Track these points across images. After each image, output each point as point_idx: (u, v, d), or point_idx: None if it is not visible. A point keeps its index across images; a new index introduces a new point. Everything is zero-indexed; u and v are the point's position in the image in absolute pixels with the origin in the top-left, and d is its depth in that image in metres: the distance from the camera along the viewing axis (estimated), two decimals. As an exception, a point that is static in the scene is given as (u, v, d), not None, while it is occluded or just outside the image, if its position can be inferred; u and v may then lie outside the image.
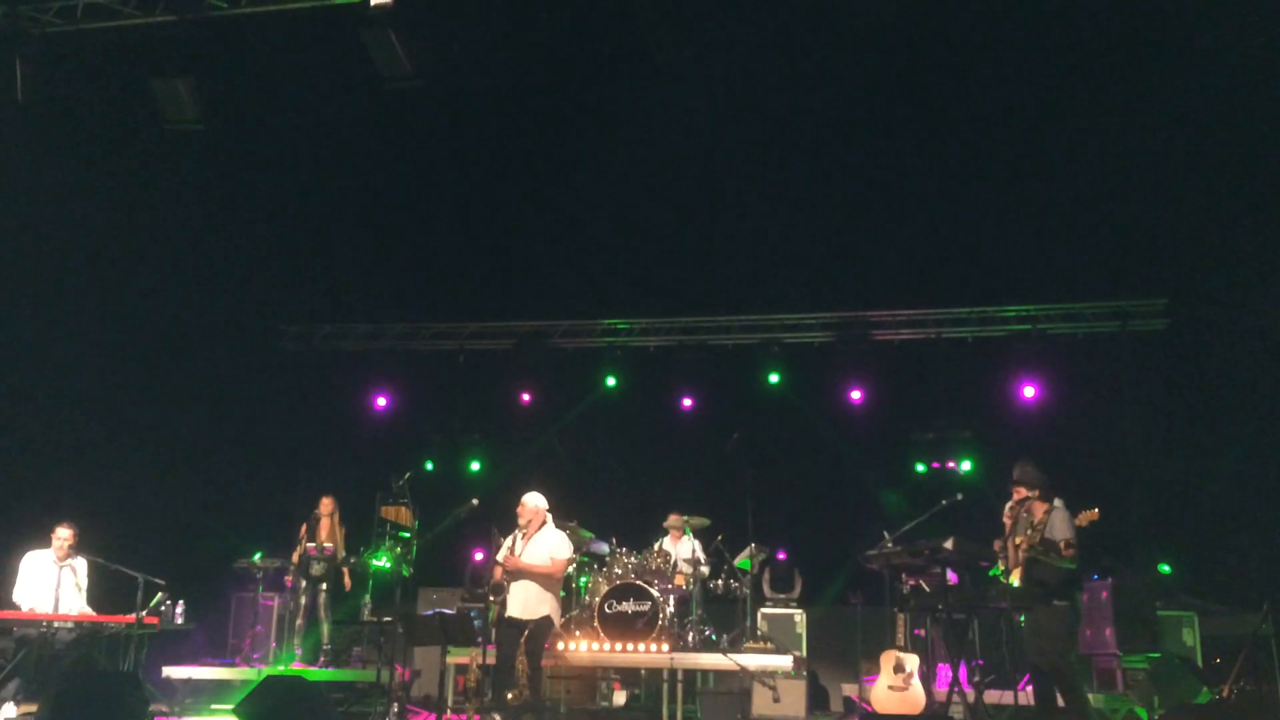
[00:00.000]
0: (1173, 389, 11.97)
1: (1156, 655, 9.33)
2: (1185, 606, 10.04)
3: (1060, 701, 7.46)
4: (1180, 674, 8.50)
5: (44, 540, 9.09)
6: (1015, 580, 8.22)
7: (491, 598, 8.67)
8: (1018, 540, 7.88)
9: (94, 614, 8.90)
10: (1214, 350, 11.72)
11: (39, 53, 8.95)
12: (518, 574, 8.38)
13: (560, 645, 9.49)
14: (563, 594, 9.36)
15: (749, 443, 10.91)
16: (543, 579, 8.37)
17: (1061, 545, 7.26)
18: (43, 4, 9.08)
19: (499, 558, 8.63)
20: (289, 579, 10.65)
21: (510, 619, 8.35)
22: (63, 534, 9.05)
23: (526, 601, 8.34)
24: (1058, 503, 7.67)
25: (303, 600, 10.62)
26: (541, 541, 8.50)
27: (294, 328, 14.21)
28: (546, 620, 8.33)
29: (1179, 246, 11.43)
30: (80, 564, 9.16)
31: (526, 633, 8.22)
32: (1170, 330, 12.33)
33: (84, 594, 9.14)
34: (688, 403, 13.51)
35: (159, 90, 9.14)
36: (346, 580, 10.79)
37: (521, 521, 8.57)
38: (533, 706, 8.12)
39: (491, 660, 8.22)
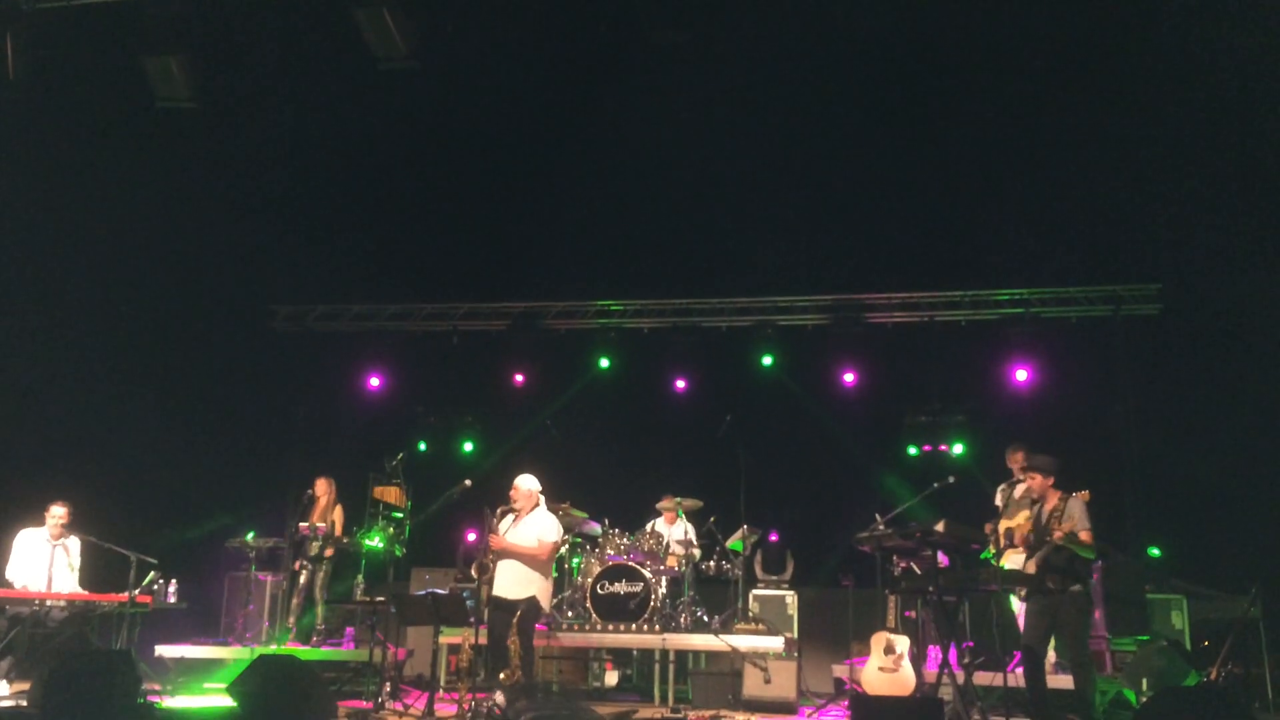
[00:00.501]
0: (1165, 373, 11.99)
1: (1145, 638, 9.39)
2: (1174, 590, 10.09)
3: (1049, 685, 7.53)
4: (1169, 657, 8.55)
5: (37, 519, 9.09)
6: (1006, 563, 8.27)
7: (476, 576, 8.70)
8: (1015, 523, 7.91)
9: (87, 593, 8.91)
10: (1207, 335, 11.73)
11: (30, 30, 8.88)
12: (504, 554, 8.39)
13: (551, 626, 9.54)
14: (555, 575, 9.40)
15: (742, 425, 10.93)
16: (529, 560, 8.40)
17: (1081, 534, 7.30)
18: (34, -20, 9.02)
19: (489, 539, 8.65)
20: (298, 563, 10.66)
21: (497, 599, 8.38)
22: (57, 511, 9.05)
23: (512, 582, 8.37)
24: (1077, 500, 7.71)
25: (300, 580, 10.64)
26: (531, 524, 8.52)
27: (286, 308, 14.17)
28: (533, 601, 8.35)
29: (1173, 231, 11.43)
30: (73, 543, 9.17)
31: (519, 613, 8.26)
32: (1163, 315, 12.34)
33: (76, 573, 9.14)
34: (681, 384, 13.51)
35: (151, 68, 9.08)
36: (328, 552, 10.79)
37: (514, 504, 8.59)
38: (525, 687, 8.15)
39: (484, 640, 8.25)
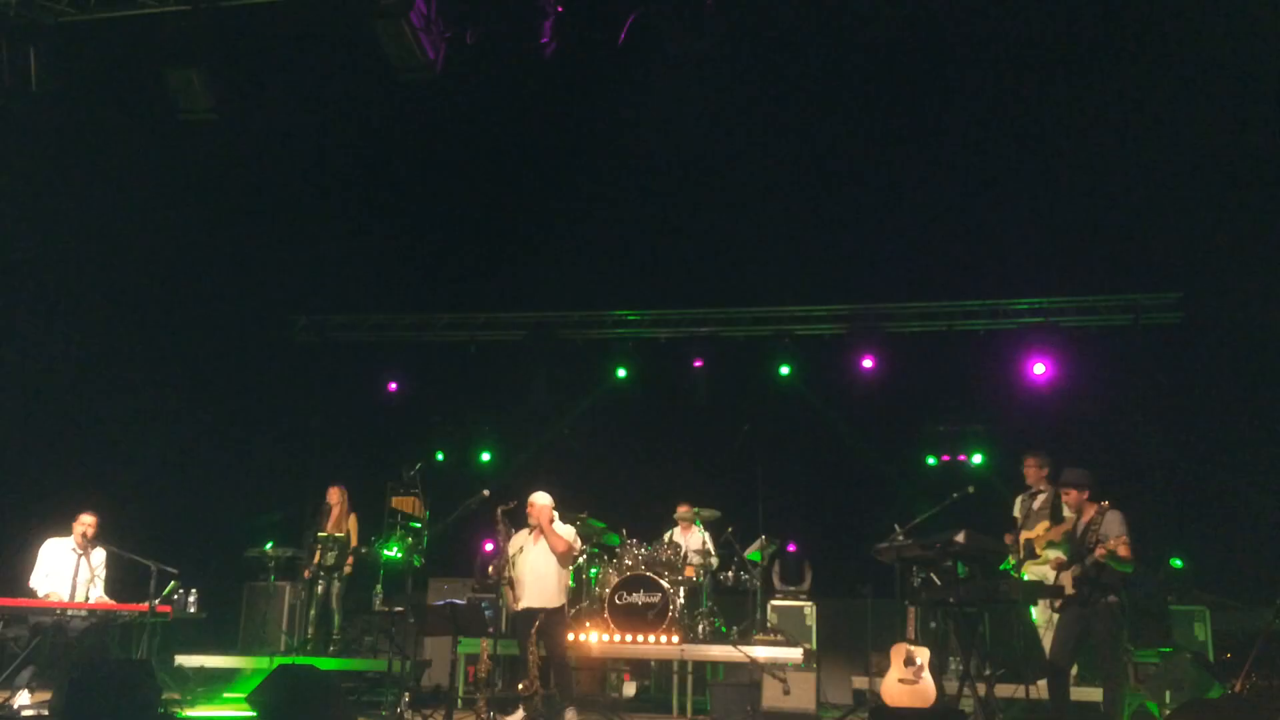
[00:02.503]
0: (1185, 382, 11.91)
1: (1168, 650, 9.30)
2: (1197, 601, 10.00)
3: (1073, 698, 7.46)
4: (1192, 669, 8.48)
5: (63, 529, 9.14)
6: (1027, 574, 8.22)
7: (494, 575, 8.83)
8: (1035, 534, 7.86)
9: (109, 602, 8.95)
10: (1227, 344, 11.65)
11: (53, 43, 8.95)
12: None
13: (570, 635, 9.54)
14: (573, 585, 9.42)
15: (759, 435, 10.91)
16: (557, 569, 8.53)
17: (1120, 548, 7.25)
18: (57, -8, 9.09)
19: (510, 552, 8.77)
20: (307, 571, 10.68)
21: (528, 610, 8.46)
22: (85, 520, 9.09)
23: (544, 591, 8.47)
24: (1105, 505, 7.65)
25: (316, 590, 10.66)
26: (555, 532, 8.67)
27: (306, 318, 14.23)
28: (562, 609, 8.48)
29: (1193, 239, 11.36)
30: (98, 553, 9.20)
31: (537, 623, 8.32)
32: (1183, 324, 12.26)
33: (101, 583, 9.18)
34: (699, 394, 13.45)
35: (173, 80, 9.14)
36: (348, 565, 10.79)
37: (531, 520, 8.70)
38: (546, 697, 8.20)
39: (502, 651, 8.30)
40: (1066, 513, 7.86)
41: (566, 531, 8.75)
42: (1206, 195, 10.95)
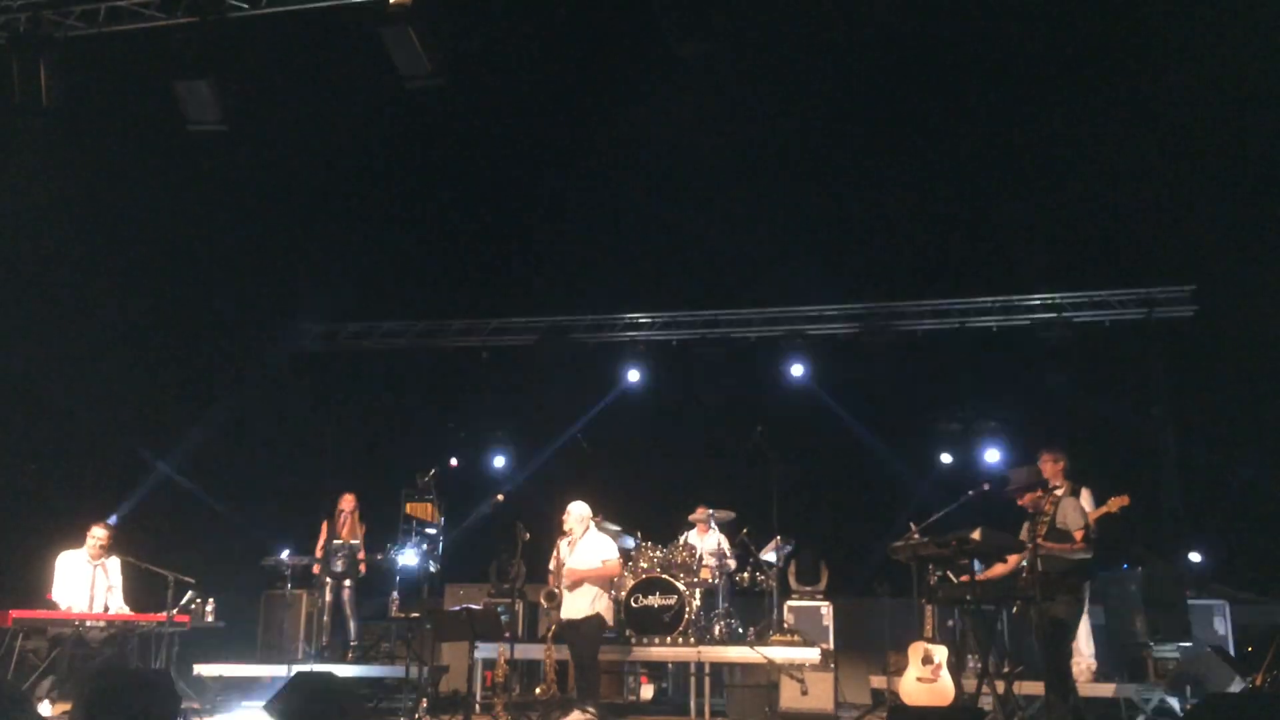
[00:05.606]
0: (1200, 376, 11.85)
1: (1188, 644, 9.25)
2: (1216, 595, 9.94)
3: (1090, 693, 7.39)
4: (1212, 663, 8.43)
5: (77, 541, 9.18)
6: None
7: (546, 604, 8.85)
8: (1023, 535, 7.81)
9: (127, 613, 8.99)
10: (1242, 337, 11.59)
11: (63, 56, 9.01)
12: (578, 583, 8.50)
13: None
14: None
15: (773, 435, 10.89)
16: (594, 579, 8.51)
17: (1077, 535, 7.18)
18: (66, 8, 9.13)
19: (550, 567, 8.77)
20: (317, 567, 10.69)
21: (567, 621, 8.47)
22: (97, 533, 9.12)
23: (578, 602, 8.47)
24: (1059, 490, 7.60)
25: (328, 597, 10.67)
26: (589, 546, 8.69)
27: (318, 327, 14.28)
28: (597, 618, 8.45)
29: (1206, 232, 11.30)
30: (113, 563, 9.23)
31: (577, 631, 8.36)
32: (1198, 317, 12.20)
33: (120, 593, 9.21)
34: (711, 396, 13.45)
35: (182, 92, 9.18)
36: (362, 566, 10.76)
37: (566, 529, 8.72)
38: (563, 701, 8.20)
39: (520, 655, 8.31)
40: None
41: (605, 544, 8.77)
42: (1220, 187, 10.89)
